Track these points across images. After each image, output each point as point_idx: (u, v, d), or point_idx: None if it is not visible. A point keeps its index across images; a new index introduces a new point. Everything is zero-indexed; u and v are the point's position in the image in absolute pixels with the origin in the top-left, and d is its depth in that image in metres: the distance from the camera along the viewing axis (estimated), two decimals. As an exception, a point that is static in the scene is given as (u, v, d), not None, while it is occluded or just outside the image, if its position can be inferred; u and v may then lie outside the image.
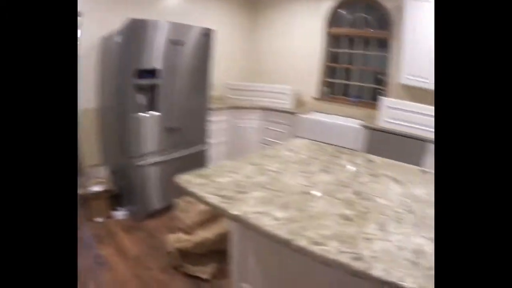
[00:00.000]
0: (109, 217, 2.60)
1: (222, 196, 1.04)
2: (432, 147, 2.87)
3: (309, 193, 1.11)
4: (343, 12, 3.86)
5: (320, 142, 3.12)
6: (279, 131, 3.66)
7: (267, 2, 4.32)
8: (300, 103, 4.00)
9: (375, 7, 3.65)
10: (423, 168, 1.61)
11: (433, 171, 1.54)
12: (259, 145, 3.82)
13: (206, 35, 2.80)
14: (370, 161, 1.64)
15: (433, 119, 2.85)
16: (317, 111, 3.82)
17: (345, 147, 3.07)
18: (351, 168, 1.47)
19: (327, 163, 1.51)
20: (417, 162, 2.90)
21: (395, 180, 1.36)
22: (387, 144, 2.99)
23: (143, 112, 2.48)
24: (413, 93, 3.39)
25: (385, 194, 1.19)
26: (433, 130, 2.84)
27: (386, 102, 3.07)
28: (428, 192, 1.26)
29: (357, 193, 1.17)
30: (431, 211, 1.06)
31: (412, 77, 3.11)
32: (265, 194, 1.08)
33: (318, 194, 1.13)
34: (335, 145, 3.09)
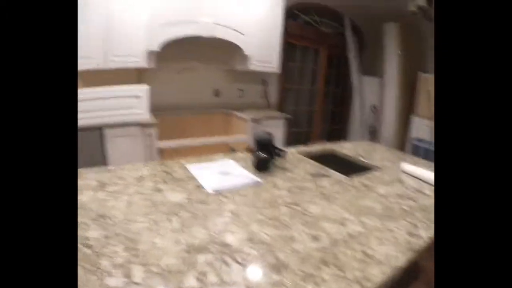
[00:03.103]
0: None
1: None
2: (109, 132, 2.60)
3: None
4: None
5: None
6: None
7: None
8: None
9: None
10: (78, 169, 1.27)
11: (85, 170, 1.27)
12: None
13: None
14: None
15: (102, 101, 2.60)
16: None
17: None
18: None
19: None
20: (100, 154, 2.63)
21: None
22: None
23: None
24: (86, 80, 2.95)
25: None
26: (105, 113, 2.53)
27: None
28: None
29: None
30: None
31: (79, 61, 2.62)
32: None
33: None
34: None
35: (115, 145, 2.59)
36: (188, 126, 3.08)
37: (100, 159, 2.59)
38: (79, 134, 2.53)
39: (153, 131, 2.59)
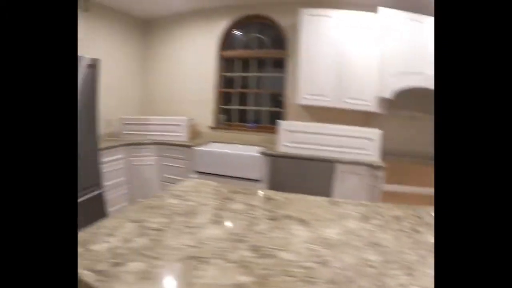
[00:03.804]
0: None
1: (98, 272, 0.80)
2: (339, 167, 2.78)
3: (195, 258, 0.90)
4: (236, 33, 3.77)
5: (219, 175, 3.09)
6: (177, 166, 3.34)
7: (158, 27, 4.07)
8: (196, 134, 3.76)
9: (270, 26, 3.57)
10: (331, 198, 1.55)
11: (342, 200, 1.52)
12: (160, 184, 3.44)
13: (92, 67, 2.43)
14: (270, 199, 1.47)
15: (335, 137, 2.82)
16: (215, 141, 3.62)
17: (246, 178, 3.02)
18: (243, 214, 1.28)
19: (218, 209, 1.31)
20: (327, 185, 2.90)
21: (300, 221, 1.21)
22: (290, 170, 2.90)
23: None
24: (313, 113, 3.37)
25: (288, 244, 1.02)
26: (337, 149, 2.82)
27: (284, 125, 2.97)
28: (339, 231, 1.13)
29: (254, 249, 0.97)
30: (347, 258, 0.94)
31: (310, 97, 3.09)
32: (143, 266, 0.85)
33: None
34: (235, 178, 3.02)
35: (342, 180, 2.88)
36: (406, 173, 3.20)
37: (326, 190, 2.92)
38: (310, 163, 2.90)
39: (380, 173, 2.80)
